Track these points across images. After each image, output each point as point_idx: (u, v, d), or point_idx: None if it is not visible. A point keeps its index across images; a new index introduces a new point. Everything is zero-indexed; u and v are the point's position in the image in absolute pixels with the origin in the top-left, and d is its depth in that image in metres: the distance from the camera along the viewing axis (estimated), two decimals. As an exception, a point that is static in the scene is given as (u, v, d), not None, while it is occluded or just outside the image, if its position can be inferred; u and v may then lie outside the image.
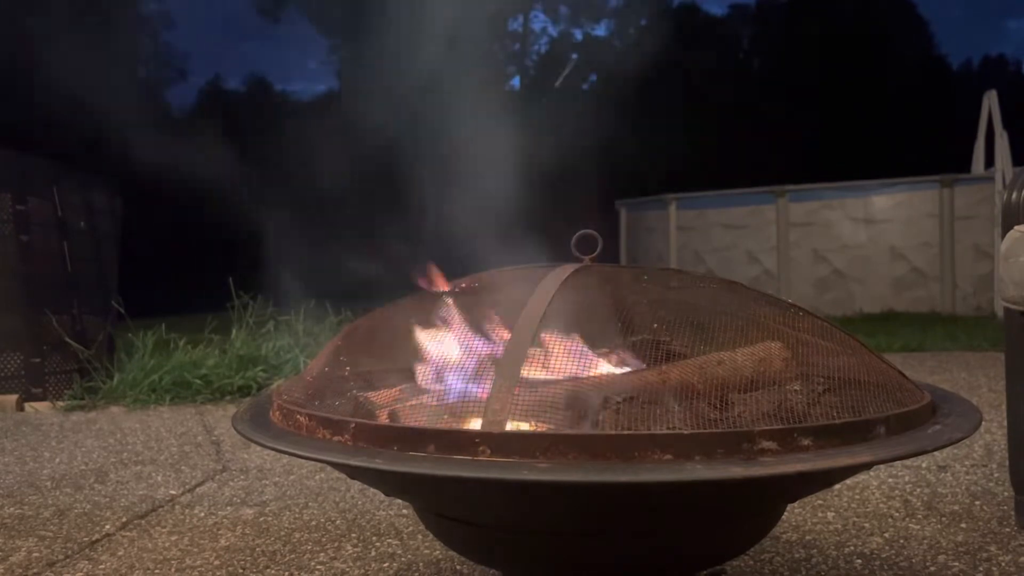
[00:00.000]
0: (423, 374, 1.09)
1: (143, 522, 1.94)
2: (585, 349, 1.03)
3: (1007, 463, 1.77)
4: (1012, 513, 1.75)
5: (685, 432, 0.84)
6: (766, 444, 0.84)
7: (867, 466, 0.95)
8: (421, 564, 1.59)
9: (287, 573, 1.57)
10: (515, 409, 0.89)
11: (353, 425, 0.94)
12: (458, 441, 0.86)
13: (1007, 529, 1.69)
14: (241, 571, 1.59)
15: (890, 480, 2.10)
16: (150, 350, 4.17)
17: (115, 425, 3.35)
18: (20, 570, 1.63)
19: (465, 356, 1.05)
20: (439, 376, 1.07)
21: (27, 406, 3.83)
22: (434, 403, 1.04)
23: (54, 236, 4.19)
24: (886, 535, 1.68)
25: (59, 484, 2.36)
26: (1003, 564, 1.50)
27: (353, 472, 1.05)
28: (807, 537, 1.69)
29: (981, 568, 1.48)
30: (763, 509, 1.06)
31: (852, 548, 1.62)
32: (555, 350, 1.01)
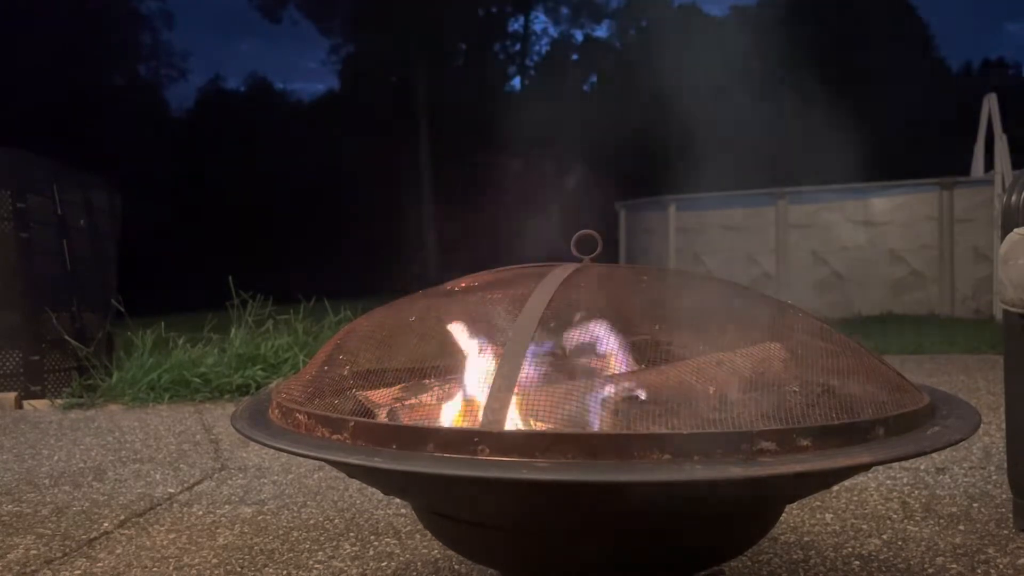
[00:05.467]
0: (422, 373, 1.09)
1: (141, 520, 1.94)
2: (584, 349, 1.03)
3: (1005, 465, 1.77)
4: (1010, 515, 1.75)
5: (684, 432, 0.85)
6: (765, 445, 0.84)
7: (866, 467, 0.95)
8: (419, 563, 1.59)
9: (285, 572, 1.57)
10: (514, 408, 0.89)
11: (352, 423, 0.94)
12: (457, 440, 0.86)
13: (1005, 531, 1.69)
14: (239, 570, 1.59)
15: (888, 482, 2.10)
16: (149, 348, 4.16)
17: (114, 423, 3.35)
18: (18, 567, 1.63)
19: (465, 355, 1.05)
20: (438, 375, 1.07)
21: (26, 404, 3.82)
22: (433, 402, 1.04)
23: (54, 234, 4.19)
24: (884, 537, 1.68)
25: (57, 482, 2.36)
26: (1001, 567, 1.50)
27: (352, 471, 1.05)
28: (805, 538, 1.69)
29: (979, 570, 1.48)
30: (761, 510, 1.06)
31: (850, 549, 1.62)
32: (554, 350, 1.01)
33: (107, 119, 19.16)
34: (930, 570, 1.50)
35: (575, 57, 25.93)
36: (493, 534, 1.03)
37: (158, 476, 2.40)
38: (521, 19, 25.69)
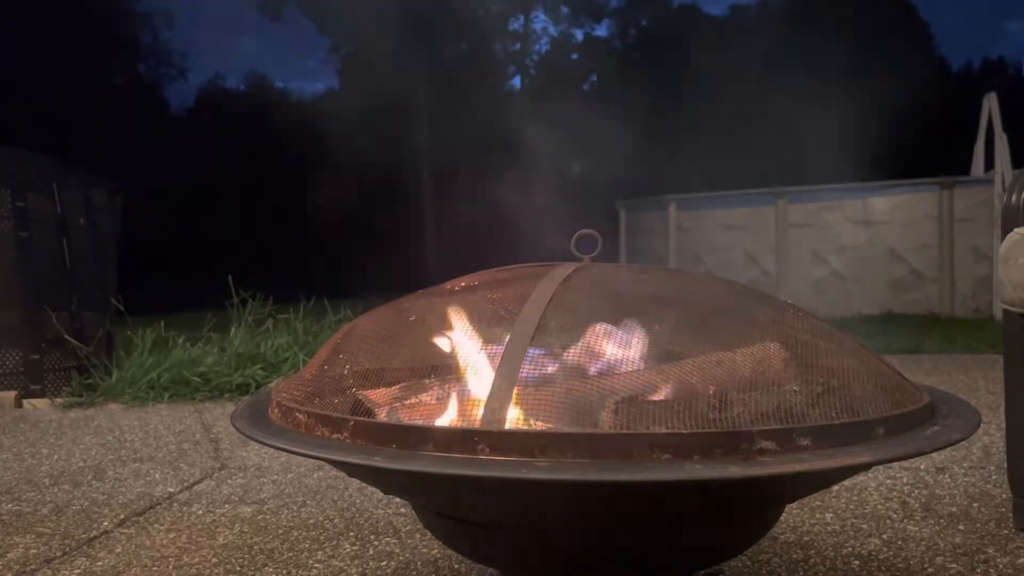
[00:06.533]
0: (422, 372, 1.09)
1: (141, 519, 1.94)
2: (584, 348, 1.03)
3: (1005, 465, 1.77)
4: (1010, 515, 1.75)
5: (684, 432, 0.84)
6: (765, 444, 0.84)
7: (866, 467, 0.95)
8: (419, 563, 1.59)
9: (285, 571, 1.57)
10: (514, 408, 0.89)
11: (352, 423, 0.94)
12: (457, 439, 0.86)
13: (1005, 531, 1.69)
14: (239, 569, 1.59)
15: (888, 481, 2.10)
16: (149, 347, 4.17)
17: (113, 422, 3.34)
18: (17, 567, 1.63)
19: (465, 354, 1.05)
20: (438, 374, 1.07)
21: (25, 403, 3.82)
22: (433, 401, 1.04)
23: (53, 233, 4.19)
24: (884, 536, 1.68)
25: (57, 481, 2.36)
26: (1001, 566, 1.50)
27: (351, 470, 1.05)
28: (805, 538, 1.69)
29: (979, 570, 1.48)
30: (761, 509, 1.06)
31: (850, 549, 1.62)
32: (555, 349, 1.01)
33: (107, 118, 19.15)
34: (930, 570, 1.50)
35: (575, 57, 25.92)
36: (492, 533, 1.03)
37: (158, 475, 2.40)
38: (521, 19, 25.67)
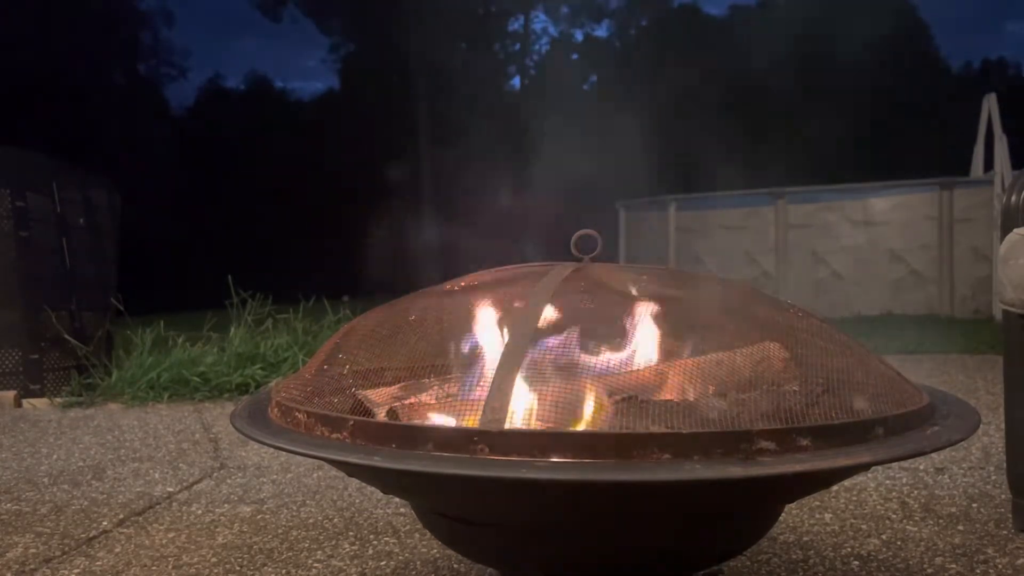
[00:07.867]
0: (422, 372, 1.09)
1: (140, 519, 1.94)
2: (584, 348, 1.03)
3: (1004, 466, 1.77)
4: (1009, 516, 1.75)
5: (684, 432, 0.84)
6: (764, 444, 0.84)
7: (865, 467, 0.95)
8: (419, 563, 1.59)
9: (284, 571, 1.57)
10: (514, 407, 0.89)
11: (351, 422, 0.94)
12: (456, 439, 0.86)
13: (1004, 531, 1.69)
14: (238, 569, 1.59)
15: (888, 482, 2.10)
16: (148, 347, 4.16)
17: (113, 422, 3.34)
18: (17, 566, 1.63)
19: (464, 354, 1.05)
20: (438, 374, 1.07)
21: (25, 402, 3.82)
22: (433, 401, 1.04)
23: (53, 232, 4.19)
24: (883, 537, 1.68)
25: (56, 480, 2.36)
26: (1000, 567, 1.50)
27: (351, 470, 1.05)
28: (804, 538, 1.69)
29: (978, 570, 1.48)
30: (761, 509, 1.06)
31: (849, 549, 1.62)
32: (554, 349, 1.01)
33: (107, 118, 19.14)
34: (929, 570, 1.50)
35: (575, 56, 25.92)
36: (492, 533, 1.03)
37: (157, 475, 2.40)
38: (521, 19, 25.66)
